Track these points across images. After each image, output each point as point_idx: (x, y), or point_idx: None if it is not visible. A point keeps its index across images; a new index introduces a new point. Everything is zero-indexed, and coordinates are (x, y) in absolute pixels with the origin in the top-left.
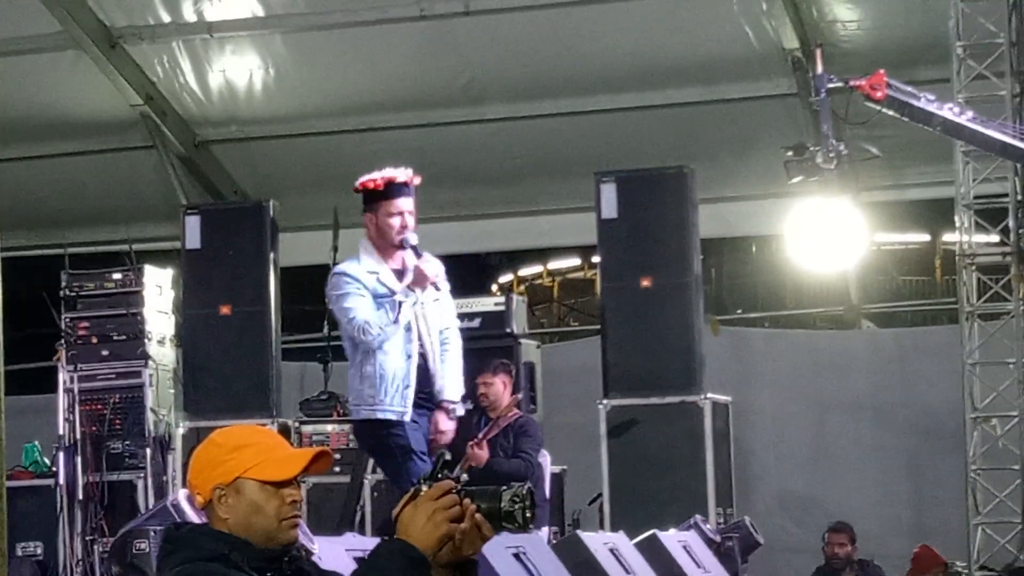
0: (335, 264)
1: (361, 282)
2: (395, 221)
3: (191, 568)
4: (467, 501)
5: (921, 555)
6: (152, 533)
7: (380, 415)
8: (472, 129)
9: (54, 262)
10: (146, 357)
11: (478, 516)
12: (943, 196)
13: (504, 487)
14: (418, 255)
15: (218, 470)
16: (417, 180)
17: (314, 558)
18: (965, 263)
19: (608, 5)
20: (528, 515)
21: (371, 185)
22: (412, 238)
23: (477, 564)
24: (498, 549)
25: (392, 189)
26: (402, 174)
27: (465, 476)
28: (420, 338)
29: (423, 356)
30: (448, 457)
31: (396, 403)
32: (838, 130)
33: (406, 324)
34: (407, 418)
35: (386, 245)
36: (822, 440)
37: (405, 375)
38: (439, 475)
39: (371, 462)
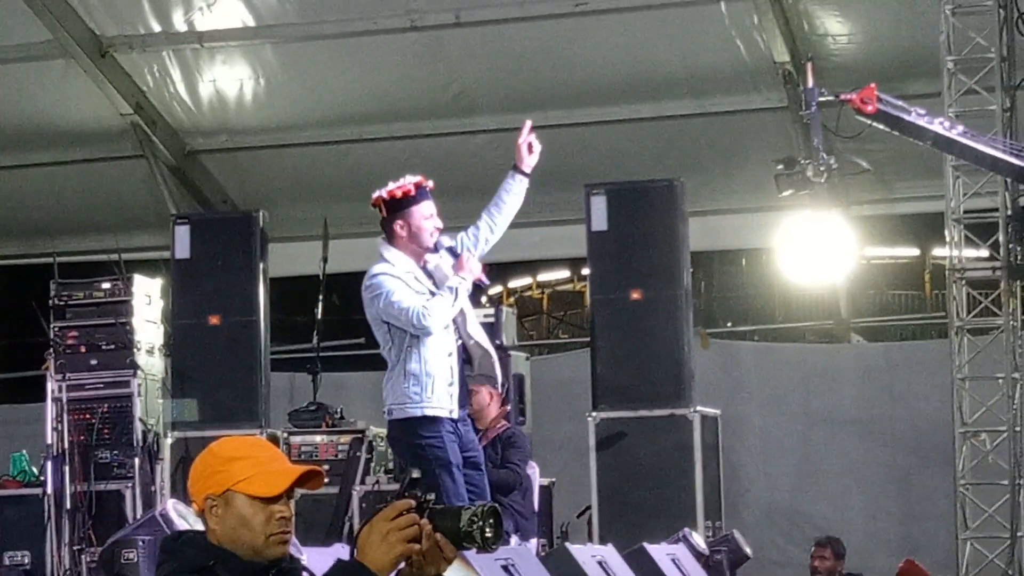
0: (323, 276)
1: (403, 280)
2: (429, 224)
3: None
4: (424, 521)
5: (906, 570)
6: (140, 543)
7: (428, 412)
8: (462, 140)
9: (43, 271)
10: (135, 367)
11: (438, 536)
12: (933, 210)
13: (466, 506)
14: (455, 255)
15: (211, 480)
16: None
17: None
18: (955, 277)
19: (598, 17)
20: (488, 534)
21: (400, 193)
22: (445, 240)
23: None
24: (487, 561)
25: (422, 193)
26: (421, 180)
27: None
28: (459, 334)
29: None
30: (416, 475)
31: (443, 401)
32: (828, 144)
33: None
34: (455, 415)
35: (418, 249)
36: (811, 454)
37: (449, 373)
38: (404, 493)
39: (359, 473)
